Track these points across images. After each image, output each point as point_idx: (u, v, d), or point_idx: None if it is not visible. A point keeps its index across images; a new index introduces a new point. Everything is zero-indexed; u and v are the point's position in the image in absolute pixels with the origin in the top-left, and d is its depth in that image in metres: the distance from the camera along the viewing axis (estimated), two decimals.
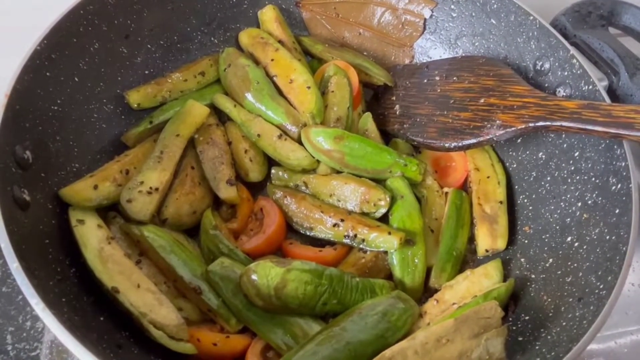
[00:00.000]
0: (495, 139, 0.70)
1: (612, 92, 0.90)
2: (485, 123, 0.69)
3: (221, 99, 0.88)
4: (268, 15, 0.95)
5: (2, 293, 0.78)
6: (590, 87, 0.75)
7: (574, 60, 0.77)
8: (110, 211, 0.72)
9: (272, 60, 0.88)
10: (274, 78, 0.87)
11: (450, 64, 0.86)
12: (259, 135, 0.83)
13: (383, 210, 0.77)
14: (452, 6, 0.92)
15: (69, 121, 0.75)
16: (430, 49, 0.97)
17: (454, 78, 0.81)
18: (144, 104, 0.85)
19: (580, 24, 0.97)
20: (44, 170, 0.68)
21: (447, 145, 0.76)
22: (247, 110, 0.85)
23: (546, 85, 0.82)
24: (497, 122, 0.68)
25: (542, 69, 0.82)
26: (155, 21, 0.88)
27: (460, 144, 0.73)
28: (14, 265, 0.52)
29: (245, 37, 0.93)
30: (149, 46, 0.89)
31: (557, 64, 0.80)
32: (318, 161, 0.81)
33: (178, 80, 0.88)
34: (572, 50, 0.78)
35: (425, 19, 0.94)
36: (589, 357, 0.79)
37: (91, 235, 0.65)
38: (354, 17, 0.95)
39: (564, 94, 0.79)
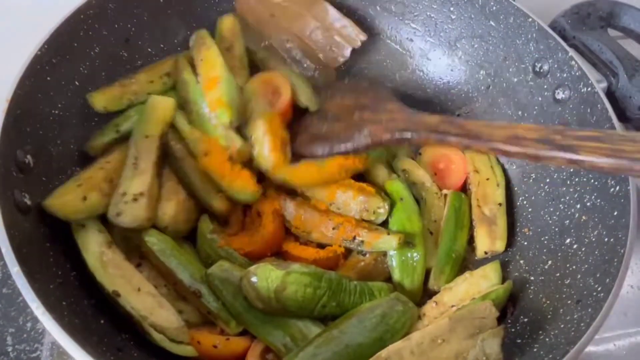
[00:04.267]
0: (362, 147, 0.74)
1: (611, 93, 0.90)
2: (355, 133, 0.74)
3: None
4: (227, 23, 0.91)
5: (2, 294, 0.78)
6: (589, 88, 0.75)
7: (573, 62, 0.77)
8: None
9: (202, 60, 0.84)
10: (199, 78, 0.83)
11: (338, 88, 0.89)
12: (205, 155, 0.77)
13: (382, 218, 0.78)
14: (451, 8, 0.92)
15: (70, 125, 0.75)
16: (430, 51, 0.97)
17: (337, 98, 0.84)
18: (109, 107, 0.81)
19: (579, 26, 0.97)
20: (45, 174, 0.68)
21: (316, 152, 0.78)
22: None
23: (545, 86, 0.82)
24: (365, 132, 0.73)
25: (541, 70, 0.82)
26: (156, 25, 0.88)
27: (329, 152, 0.77)
28: (15, 269, 0.52)
29: (193, 39, 0.89)
30: (149, 50, 0.89)
31: (556, 65, 0.80)
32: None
33: (143, 81, 0.84)
34: (571, 52, 0.78)
35: (354, 48, 0.94)
36: (587, 359, 0.80)
37: (92, 239, 0.66)
38: (287, 22, 0.94)
39: (563, 95, 0.79)
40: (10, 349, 0.74)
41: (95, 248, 0.65)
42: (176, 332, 0.62)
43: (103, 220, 0.70)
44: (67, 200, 0.67)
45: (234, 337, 0.67)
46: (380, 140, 0.72)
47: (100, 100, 0.80)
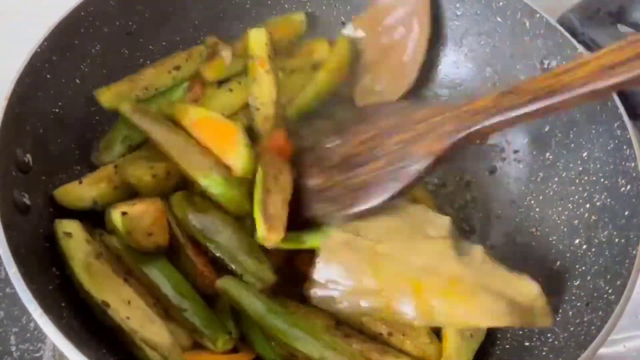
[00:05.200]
0: (420, 174, 0.60)
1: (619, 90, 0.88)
2: (403, 163, 0.60)
3: None
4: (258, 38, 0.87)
5: (6, 294, 0.78)
6: None
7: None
8: (97, 228, 0.69)
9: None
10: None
11: (338, 125, 0.75)
12: None
13: None
14: (457, 4, 0.91)
15: (71, 124, 0.74)
16: (435, 48, 0.96)
17: (350, 136, 0.70)
18: (114, 104, 0.78)
19: (588, 22, 0.95)
20: (45, 173, 0.68)
21: (372, 205, 0.63)
22: None
23: None
24: (415, 156, 0.59)
25: (549, 67, 0.81)
26: (157, 22, 0.87)
27: (385, 197, 0.62)
28: (12, 270, 0.51)
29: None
30: (150, 47, 0.88)
31: (564, 62, 0.78)
32: None
33: (152, 76, 0.83)
34: (580, 48, 0.77)
35: None
36: None
37: (79, 248, 0.63)
38: None
39: None
40: (13, 348, 0.74)
41: (81, 257, 0.62)
42: (168, 349, 0.59)
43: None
44: (72, 187, 0.67)
45: (229, 356, 0.64)
46: (437, 156, 0.58)
47: (108, 96, 0.79)
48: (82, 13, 0.76)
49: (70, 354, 0.49)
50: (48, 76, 0.70)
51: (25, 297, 0.51)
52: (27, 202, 0.62)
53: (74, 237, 0.64)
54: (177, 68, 0.85)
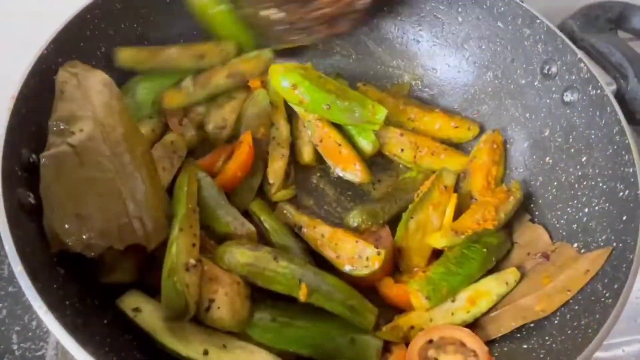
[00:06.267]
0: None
1: (620, 96, 0.89)
2: None
3: None
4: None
5: (8, 293, 0.78)
6: (598, 91, 0.74)
7: (582, 64, 0.76)
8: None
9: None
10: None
11: None
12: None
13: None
14: (459, 9, 0.91)
15: None
16: (437, 53, 0.96)
17: None
18: (129, 64, 0.81)
19: (588, 28, 0.96)
20: None
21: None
22: None
23: (553, 89, 0.81)
24: None
25: (550, 72, 0.81)
26: (161, 25, 0.88)
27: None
28: (18, 269, 0.52)
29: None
30: None
31: (564, 67, 0.79)
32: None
33: (174, 54, 0.84)
34: (580, 54, 0.77)
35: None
36: None
37: (153, 318, 0.63)
38: None
39: (572, 98, 0.78)
40: (15, 347, 0.74)
41: (161, 325, 0.62)
42: None
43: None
44: None
45: None
46: None
47: (126, 56, 0.82)
48: (88, 16, 0.77)
49: (74, 351, 0.49)
50: (54, 77, 0.71)
51: (30, 295, 0.51)
52: (32, 201, 0.62)
53: (143, 311, 0.63)
54: (202, 56, 0.86)
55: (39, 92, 0.68)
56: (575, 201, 0.74)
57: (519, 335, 0.67)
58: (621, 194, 0.67)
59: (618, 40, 0.94)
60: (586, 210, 0.72)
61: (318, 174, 0.87)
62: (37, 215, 0.62)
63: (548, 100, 0.82)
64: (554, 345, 0.61)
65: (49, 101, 0.70)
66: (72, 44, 0.75)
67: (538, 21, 0.82)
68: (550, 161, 0.80)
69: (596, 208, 0.70)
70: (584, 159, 0.75)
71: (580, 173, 0.75)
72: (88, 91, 0.69)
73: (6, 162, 0.60)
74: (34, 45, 0.69)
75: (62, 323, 0.50)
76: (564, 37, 0.79)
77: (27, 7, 0.98)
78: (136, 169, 0.66)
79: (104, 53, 0.80)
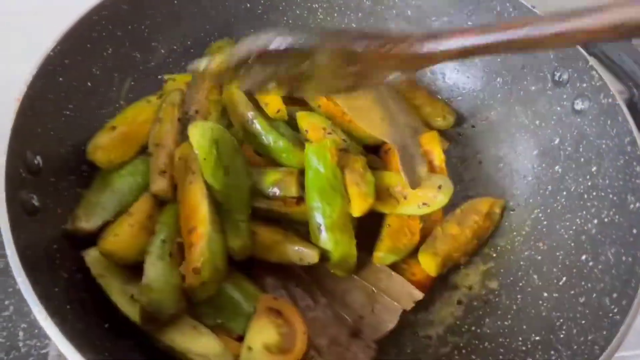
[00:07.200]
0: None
1: (632, 105, 0.87)
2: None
3: None
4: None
5: (16, 290, 0.78)
6: (610, 99, 0.72)
7: (593, 72, 0.75)
8: None
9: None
10: None
11: None
12: None
13: None
14: (469, 14, 0.90)
15: (81, 126, 0.75)
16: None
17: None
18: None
19: None
20: (54, 175, 0.68)
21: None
22: None
23: (564, 96, 0.79)
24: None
25: (561, 79, 0.80)
26: (169, 26, 0.88)
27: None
28: (18, 272, 0.52)
29: None
30: (162, 51, 0.89)
31: (575, 75, 0.78)
32: None
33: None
34: (592, 61, 0.76)
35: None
36: None
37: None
38: None
39: (582, 106, 0.77)
40: (21, 344, 0.74)
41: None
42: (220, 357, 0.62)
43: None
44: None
45: None
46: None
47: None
48: (95, 17, 0.76)
49: (73, 357, 0.49)
50: (60, 79, 0.71)
51: (30, 300, 0.51)
52: (36, 203, 0.62)
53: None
54: None
55: (44, 94, 0.68)
56: (584, 212, 0.73)
57: (523, 348, 0.66)
58: (632, 206, 0.65)
59: (631, 47, 0.92)
60: (595, 221, 0.70)
61: None
62: (39, 218, 0.62)
63: (558, 108, 0.81)
64: None
65: (55, 103, 0.70)
66: (79, 46, 0.74)
67: None
68: (560, 170, 0.79)
69: (605, 220, 0.69)
70: (594, 169, 0.73)
71: (590, 183, 0.73)
72: None
73: (10, 164, 0.60)
74: (40, 46, 0.69)
75: (61, 330, 0.50)
76: None
77: (33, 8, 0.98)
78: None
79: (110, 54, 0.80)
